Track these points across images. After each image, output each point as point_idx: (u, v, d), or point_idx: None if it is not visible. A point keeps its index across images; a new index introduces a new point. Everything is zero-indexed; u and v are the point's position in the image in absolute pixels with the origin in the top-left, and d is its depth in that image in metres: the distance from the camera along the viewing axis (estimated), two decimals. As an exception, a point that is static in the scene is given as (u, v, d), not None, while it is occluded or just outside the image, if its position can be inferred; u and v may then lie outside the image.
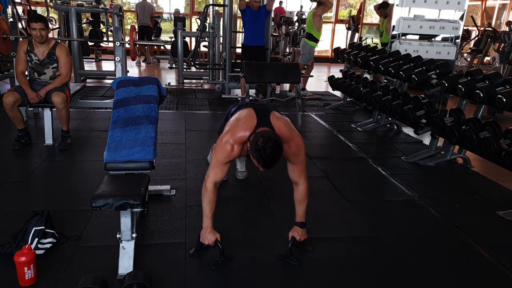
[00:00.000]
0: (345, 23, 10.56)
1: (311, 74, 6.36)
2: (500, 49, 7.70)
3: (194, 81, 7.60)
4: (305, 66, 6.55)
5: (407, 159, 3.75)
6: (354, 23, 9.75)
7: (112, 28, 5.87)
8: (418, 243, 2.40)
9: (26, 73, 3.59)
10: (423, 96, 3.97)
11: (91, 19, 9.14)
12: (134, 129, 2.25)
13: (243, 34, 5.77)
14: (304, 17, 9.97)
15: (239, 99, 5.79)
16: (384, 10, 5.79)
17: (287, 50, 10.00)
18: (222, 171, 2.06)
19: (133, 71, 8.30)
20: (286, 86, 7.48)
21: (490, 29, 7.98)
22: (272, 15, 7.72)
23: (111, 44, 6.91)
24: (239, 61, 5.94)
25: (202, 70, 7.29)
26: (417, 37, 5.06)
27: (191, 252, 2.12)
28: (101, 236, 2.22)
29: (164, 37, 10.86)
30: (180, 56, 7.08)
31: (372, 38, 10.90)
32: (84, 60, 7.18)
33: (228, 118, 2.35)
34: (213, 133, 4.46)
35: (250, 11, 5.57)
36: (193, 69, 7.35)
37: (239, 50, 6.68)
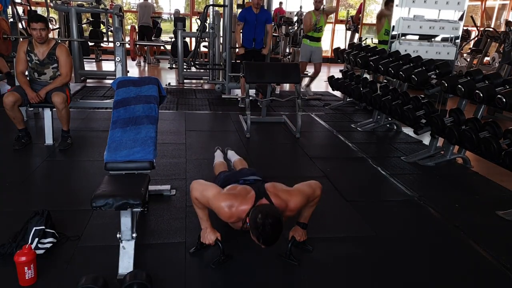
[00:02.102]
0: (344, 23, 10.56)
1: (308, 73, 6.36)
2: (500, 49, 7.71)
3: (194, 81, 7.61)
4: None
5: (406, 159, 3.75)
6: (354, 23, 9.75)
7: (112, 28, 5.88)
8: (418, 243, 2.41)
9: (26, 73, 3.59)
10: (422, 96, 3.97)
11: (91, 19, 9.14)
12: (134, 129, 2.26)
13: (242, 35, 5.75)
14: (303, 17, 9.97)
15: (239, 99, 5.79)
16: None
17: (287, 50, 10.00)
18: (205, 206, 2.05)
19: (133, 71, 8.31)
20: (286, 86, 7.48)
21: (490, 29, 7.98)
22: (272, 15, 7.73)
23: (111, 44, 6.91)
24: (239, 61, 5.94)
25: (202, 70, 7.30)
26: (416, 37, 5.06)
27: (192, 251, 2.12)
28: (101, 236, 2.22)
29: (164, 37, 10.87)
30: (180, 56, 7.08)
31: (372, 38, 10.89)
32: (84, 60, 7.19)
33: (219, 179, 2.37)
34: (213, 133, 4.49)
35: (251, 13, 5.55)
36: (193, 69, 7.35)
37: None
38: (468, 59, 8.66)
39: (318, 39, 6.34)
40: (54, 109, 3.55)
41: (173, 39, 8.26)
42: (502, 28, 9.68)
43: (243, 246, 2.22)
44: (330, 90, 6.47)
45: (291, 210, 2.00)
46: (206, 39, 6.98)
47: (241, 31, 5.63)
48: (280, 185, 2.08)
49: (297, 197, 2.03)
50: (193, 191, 2.04)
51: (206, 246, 2.11)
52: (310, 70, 6.76)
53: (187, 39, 8.80)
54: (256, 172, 2.34)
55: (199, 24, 7.21)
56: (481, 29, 9.18)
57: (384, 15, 5.62)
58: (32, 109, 4.37)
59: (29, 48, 3.51)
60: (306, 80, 6.59)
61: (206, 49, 7.69)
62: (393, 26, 4.89)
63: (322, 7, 6.18)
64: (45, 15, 6.85)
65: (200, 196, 2.01)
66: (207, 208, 2.07)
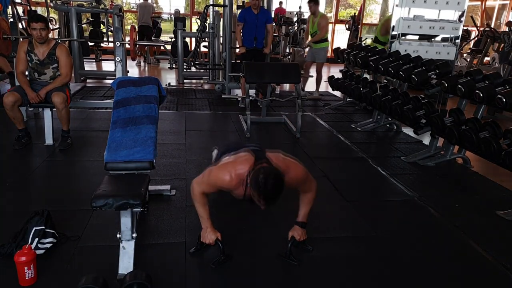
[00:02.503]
0: (345, 23, 10.56)
1: (309, 73, 6.38)
2: (500, 49, 7.71)
3: (194, 81, 7.61)
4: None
5: (407, 159, 3.75)
6: (355, 23, 9.75)
7: (112, 28, 5.88)
8: (418, 243, 2.40)
9: (26, 73, 3.59)
10: (423, 96, 3.97)
11: (91, 19, 9.14)
12: (134, 129, 2.26)
13: (243, 35, 5.75)
14: (303, 17, 9.96)
15: (239, 99, 5.79)
16: None
17: (287, 50, 9.99)
18: (209, 191, 2.05)
19: (133, 71, 8.31)
20: (286, 86, 7.48)
21: (489, 29, 7.98)
22: (272, 15, 7.74)
23: (111, 44, 6.91)
24: (239, 61, 5.94)
25: (202, 70, 7.29)
26: (416, 37, 5.06)
27: (191, 251, 2.12)
28: (101, 236, 2.22)
29: (164, 37, 10.86)
30: (180, 56, 7.08)
31: (372, 38, 10.88)
32: (84, 60, 7.19)
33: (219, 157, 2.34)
34: (213, 133, 4.49)
35: (250, 14, 5.56)
36: (193, 69, 7.35)
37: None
38: (468, 59, 8.66)
39: (321, 41, 6.33)
40: (54, 109, 3.55)
41: (173, 39, 8.26)
42: (502, 28, 9.68)
43: (244, 246, 2.23)
44: (330, 90, 6.48)
45: (291, 177, 1.95)
46: (206, 39, 6.98)
47: (241, 31, 5.64)
48: (282, 153, 2.07)
49: (298, 168, 2.03)
50: (194, 185, 2.04)
51: (206, 246, 2.10)
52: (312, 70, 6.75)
53: (187, 39, 8.80)
54: (257, 145, 2.30)
55: (199, 24, 7.21)
56: (481, 29, 9.18)
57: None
58: (32, 109, 4.38)
59: (29, 48, 3.51)
60: (313, 86, 6.59)
61: (206, 49, 7.69)
62: (393, 26, 4.90)
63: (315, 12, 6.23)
64: (45, 15, 6.84)
65: (201, 184, 2.01)
66: (208, 203, 2.07)
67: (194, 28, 11.09)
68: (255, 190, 1.77)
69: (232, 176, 1.91)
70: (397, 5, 4.78)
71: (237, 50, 5.90)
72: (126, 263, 1.93)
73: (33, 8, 8.50)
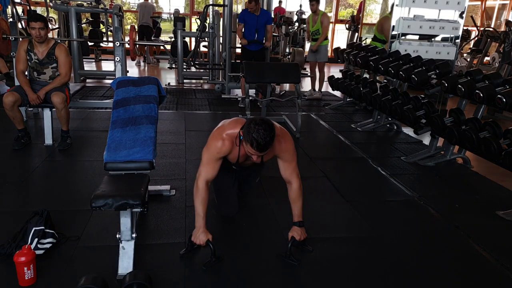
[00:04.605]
0: (345, 23, 10.55)
1: (308, 73, 6.38)
2: (500, 49, 7.71)
3: (194, 81, 7.61)
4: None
5: (407, 159, 3.75)
6: (354, 23, 9.75)
7: (112, 28, 5.87)
8: (418, 243, 2.40)
9: (26, 73, 3.58)
10: (423, 96, 3.97)
11: (90, 19, 9.14)
12: (133, 129, 2.25)
13: (244, 34, 5.76)
14: (303, 16, 9.96)
15: (239, 99, 5.79)
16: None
17: (287, 50, 9.99)
18: (213, 169, 2.09)
19: (133, 71, 8.30)
20: (287, 86, 7.48)
21: (490, 29, 7.98)
22: (272, 15, 7.74)
23: (111, 44, 6.91)
24: (239, 61, 5.95)
25: (202, 70, 7.29)
26: (417, 37, 5.05)
27: (182, 252, 2.10)
28: (101, 236, 2.22)
29: (164, 37, 10.86)
30: (180, 56, 7.08)
31: (372, 38, 10.87)
32: (84, 60, 7.18)
33: None
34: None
35: (250, 15, 5.56)
36: (193, 69, 7.35)
37: (239, 50, 6.68)
38: (468, 59, 8.66)
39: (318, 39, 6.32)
40: (54, 109, 3.55)
41: (172, 39, 8.26)
42: (502, 28, 9.68)
43: (243, 246, 2.23)
44: (330, 90, 6.47)
45: (279, 140, 2.04)
46: (206, 39, 6.98)
47: (242, 30, 5.66)
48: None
49: (289, 137, 2.13)
50: (197, 176, 2.08)
51: (197, 247, 2.08)
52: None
53: (187, 39, 8.80)
54: None
55: (199, 24, 7.21)
56: (481, 29, 9.18)
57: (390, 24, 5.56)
58: (31, 109, 4.38)
59: (29, 47, 3.51)
60: (317, 85, 6.57)
61: (206, 49, 7.69)
62: (393, 26, 4.89)
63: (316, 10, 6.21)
64: (45, 15, 6.84)
65: (202, 167, 2.07)
66: (208, 201, 2.08)
67: (194, 28, 11.08)
68: (247, 138, 1.85)
69: (224, 138, 2.03)
70: (397, 5, 4.77)
71: (238, 42, 5.90)
72: (126, 263, 1.92)
73: (32, 8, 8.48)
